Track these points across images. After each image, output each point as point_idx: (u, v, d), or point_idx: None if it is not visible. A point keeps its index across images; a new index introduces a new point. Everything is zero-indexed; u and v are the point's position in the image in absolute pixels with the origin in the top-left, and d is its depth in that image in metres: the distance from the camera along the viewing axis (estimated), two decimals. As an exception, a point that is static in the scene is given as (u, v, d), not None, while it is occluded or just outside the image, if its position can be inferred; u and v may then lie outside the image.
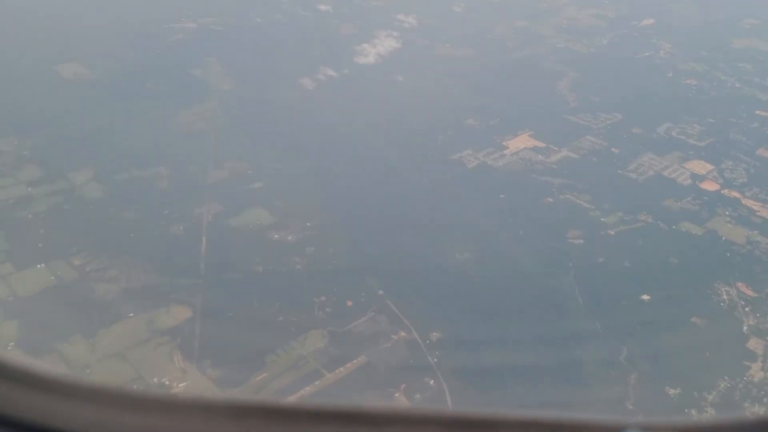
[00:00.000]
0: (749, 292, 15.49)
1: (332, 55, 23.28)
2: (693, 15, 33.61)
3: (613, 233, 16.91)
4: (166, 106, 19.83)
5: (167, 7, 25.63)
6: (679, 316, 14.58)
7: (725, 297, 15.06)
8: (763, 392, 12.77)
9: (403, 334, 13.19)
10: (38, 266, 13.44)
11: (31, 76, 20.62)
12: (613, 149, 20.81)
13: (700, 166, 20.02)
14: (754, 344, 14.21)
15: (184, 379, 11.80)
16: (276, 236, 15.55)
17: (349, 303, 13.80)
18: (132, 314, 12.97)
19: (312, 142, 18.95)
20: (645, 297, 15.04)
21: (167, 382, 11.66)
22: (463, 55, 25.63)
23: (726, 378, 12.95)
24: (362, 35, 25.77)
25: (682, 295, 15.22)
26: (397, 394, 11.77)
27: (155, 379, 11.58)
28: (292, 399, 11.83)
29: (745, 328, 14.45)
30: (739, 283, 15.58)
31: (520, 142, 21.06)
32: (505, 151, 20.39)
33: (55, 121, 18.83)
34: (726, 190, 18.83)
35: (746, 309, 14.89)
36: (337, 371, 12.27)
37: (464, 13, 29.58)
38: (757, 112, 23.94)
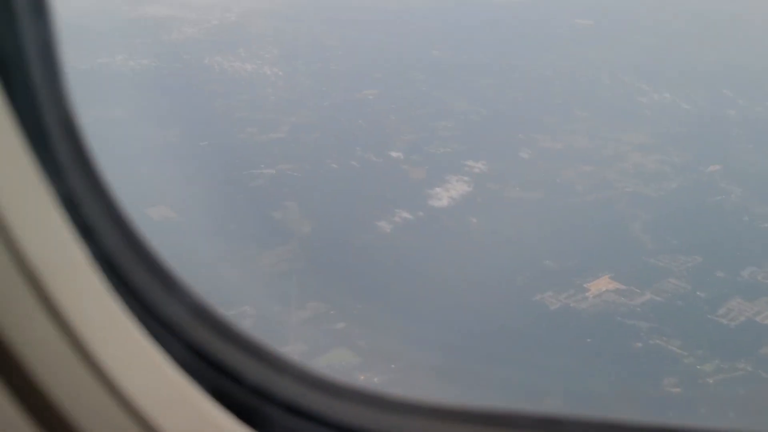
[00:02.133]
0: None
1: (406, 198, 24.49)
2: (759, 160, 34.10)
3: (711, 382, 16.31)
4: (248, 248, 20.66)
5: (247, 156, 27.40)
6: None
7: None
8: None
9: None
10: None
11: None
12: (698, 293, 20.51)
13: (795, 313, 20.38)
14: None
15: None
16: (362, 377, 15.46)
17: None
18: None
19: (392, 283, 19.23)
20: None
21: None
22: (534, 198, 26.28)
23: None
24: (434, 180, 26.43)
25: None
26: None
27: None
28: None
29: None
30: None
31: (601, 284, 20.97)
32: (586, 294, 20.29)
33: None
34: (828, 339, 19.00)
35: None
36: None
37: (531, 159, 30.74)
38: None
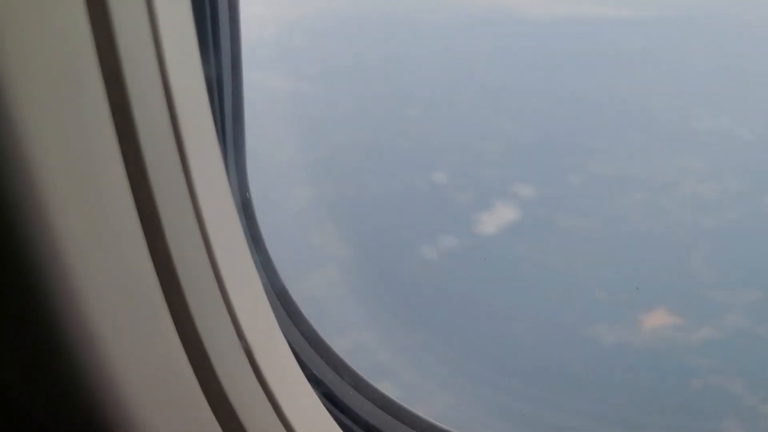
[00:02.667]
0: None
1: (452, 223, 24.13)
2: (825, 189, 33.03)
3: (775, 425, 15.75)
4: (285, 273, 20.44)
5: (284, 175, 27.48)
6: None
7: None
8: None
9: None
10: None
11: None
12: (760, 330, 19.86)
13: None
14: None
15: None
16: (410, 410, 15.22)
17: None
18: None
19: (438, 313, 18.88)
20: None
21: None
22: (585, 226, 25.78)
23: None
24: (480, 204, 26.05)
25: None
26: None
27: None
28: None
29: None
30: None
31: (657, 318, 20.45)
32: (641, 328, 19.82)
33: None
34: None
35: None
36: None
37: (581, 185, 30.26)
38: None
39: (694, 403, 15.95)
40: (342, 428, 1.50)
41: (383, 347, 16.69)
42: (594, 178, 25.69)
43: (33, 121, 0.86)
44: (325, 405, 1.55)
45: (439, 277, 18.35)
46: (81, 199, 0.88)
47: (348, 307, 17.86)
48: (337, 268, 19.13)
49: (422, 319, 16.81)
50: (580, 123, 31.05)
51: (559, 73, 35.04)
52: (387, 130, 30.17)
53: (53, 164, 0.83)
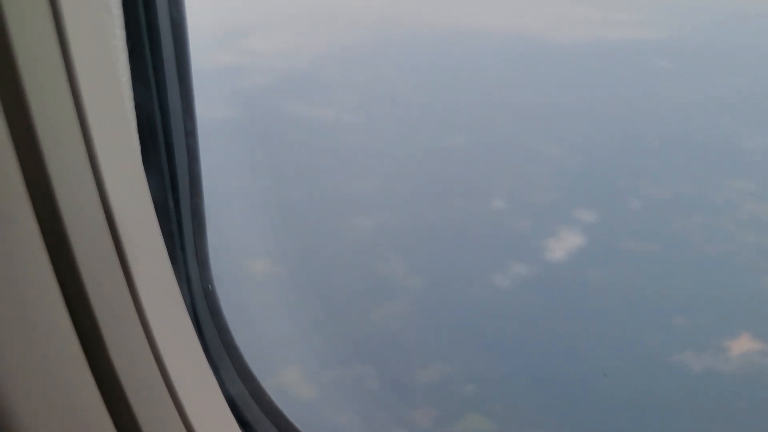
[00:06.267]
0: None
1: (518, 251, 23.88)
2: None
3: None
4: (356, 304, 20.22)
5: (339, 206, 27.36)
6: None
7: None
8: None
9: None
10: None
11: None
12: None
13: None
14: None
15: None
16: (503, 446, 15.00)
17: None
18: None
19: (519, 342, 18.65)
20: None
21: None
22: (650, 251, 25.54)
23: None
24: (543, 231, 25.80)
25: None
26: None
27: None
28: None
29: None
30: None
31: (743, 344, 20.10)
32: (728, 354, 19.46)
33: (255, 319, 19.57)
34: None
35: None
36: None
37: (642, 209, 29.97)
38: None
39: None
40: None
41: (470, 378, 16.38)
42: (649, 201, 25.42)
43: None
44: None
45: (516, 304, 18.11)
46: (15, 326, 0.86)
47: (426, 337, 17.53)
48: (408, 297, 18.87)
49: (505, 347, 16.55)
50: (624, 145, 30.94)
51: (593, 96, 35.08)
52: (433, 157, 30.00)
53: None
